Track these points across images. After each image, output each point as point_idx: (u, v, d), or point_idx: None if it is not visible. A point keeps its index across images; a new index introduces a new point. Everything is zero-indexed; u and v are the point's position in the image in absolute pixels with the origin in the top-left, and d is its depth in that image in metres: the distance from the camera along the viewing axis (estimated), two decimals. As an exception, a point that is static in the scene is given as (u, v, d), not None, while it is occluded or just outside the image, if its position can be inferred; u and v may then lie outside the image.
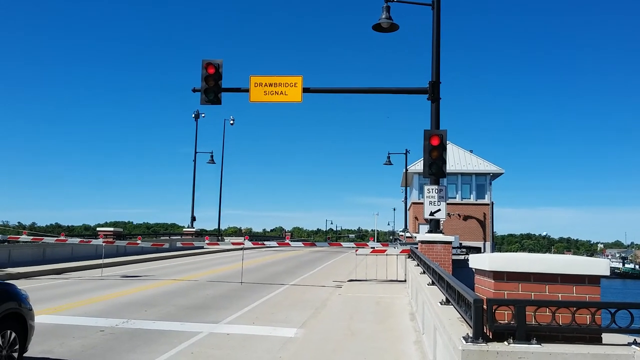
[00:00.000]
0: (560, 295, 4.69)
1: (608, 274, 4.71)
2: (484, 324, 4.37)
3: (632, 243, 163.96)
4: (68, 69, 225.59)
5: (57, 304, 13.25)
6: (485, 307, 4.38)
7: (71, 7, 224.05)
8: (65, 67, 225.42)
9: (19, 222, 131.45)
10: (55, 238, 22.37)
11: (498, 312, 4.43)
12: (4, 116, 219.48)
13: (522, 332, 4.30)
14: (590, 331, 4.46)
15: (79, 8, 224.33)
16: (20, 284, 16.36)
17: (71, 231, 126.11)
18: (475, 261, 5.19)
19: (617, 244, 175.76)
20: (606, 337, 4.54)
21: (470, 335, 4.38)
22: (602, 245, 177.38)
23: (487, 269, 4.79)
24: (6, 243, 22.22)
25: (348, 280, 19.39)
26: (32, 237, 22.17)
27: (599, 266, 4.65)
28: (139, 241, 23.42)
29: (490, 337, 4.38)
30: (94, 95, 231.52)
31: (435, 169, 15.67)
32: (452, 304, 6.14)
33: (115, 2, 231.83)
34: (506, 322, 4.44)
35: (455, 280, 5.97)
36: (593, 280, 4.66)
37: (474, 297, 4.50)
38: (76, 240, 24.11)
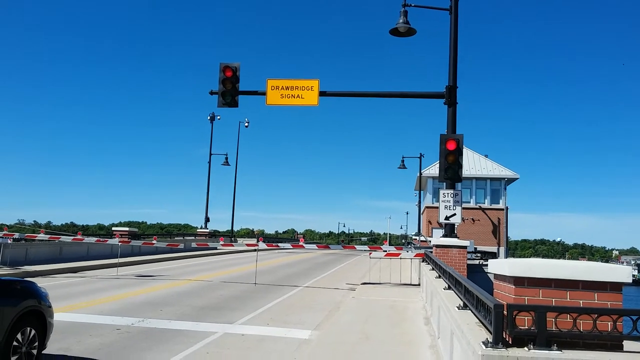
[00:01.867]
0: (581, 301, 4.65)
1: (630, 281, 4.67)
2: (504, 329, 4.36)
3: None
4: (86, 69, 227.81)
5: (73, 302, 13.39)
6: (505, 312, 4.37)
7: (91, 6, 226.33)
8: (83, 67, 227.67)
9: (34, 221, 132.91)
10: (72, 237, 22.60)
11: (518, 318, 4.40)
12: (20, 116, 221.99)
13: (543, 338, 4.28)
14: (611, 338, 4.42)
15: (98, 8, 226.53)
16: (37, 282, 16.57)
17: (85, 230, 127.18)
18: (495, 266, 5.17)
19: (632, 251, 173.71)
20: (627, 344, 4.51)
21: (490, 340, 4.37)
22: (617, 252, 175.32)
23: (507, 274, 4.77)
24: (23, 241, 22.49)
25: (361, 283, 19.36)
26: (49, 235, 22.42)
27: (621, 273, 4.61)
28: (154, 241, 23.57)
29: (510, 342, 4.37)
30: (111, 95, 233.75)
31: (451, 173, 15.61)
32: (469, 309, 6.12)
33: (136, 3, 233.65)
34: (526, 327, 4.42)
35: (473, 285, 5.95)
36: (615, 287, 4.62)
37: (494, 302, 4.49)
38: (92, 239, 24.34)
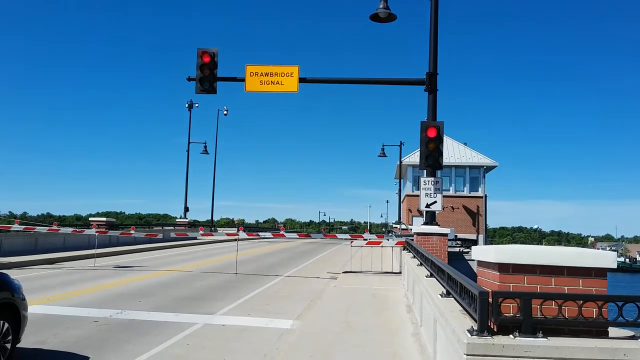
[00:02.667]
0: (566, 288, 4.61)
1: (615, 266, 4.64)
2: (489, 317, 4.30)
3: (622, 237, 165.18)
4: (60, 58, 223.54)
5: (49, 294, 13.12)
6: (490, 299, 4.30)
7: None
8: (57, 57, 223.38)
9: (9, 212, 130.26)
10: (48, 227, 22.18)
11: (503, 305, 4.34)
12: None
13: (528, 326, 4.23)
14: (596, 324, 4.39)
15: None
16: (13, 274, 16.16)
17: (63, 221, 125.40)
18: (479, 253, 5.10)
19: (607, 238, 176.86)
20: (613, 330, 4.49)
21: (475, 328, 4.30)
22: (592, 239, 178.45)
23: (492, 261, 4.71)
24: (-3, 232, 22.00)
25: (343, 272, 19.35)
26: (24, 226, 21.95)
27: (606, 259, 4.58)
28: (132, 231, 23.23)
29: (495, 330, 4.31)
30: (86, 84, 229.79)
31: (432, 161, 15.59)
32: (453, 296, 6.07)
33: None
34: (512, 315, 4.36)
35: (457, 272, 5.89)
36: (600, 273, 4.59)
37: (479, 290, 4.42)
38: (69, 230, 23.92)
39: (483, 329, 4.23)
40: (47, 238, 24.27)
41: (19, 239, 22.85)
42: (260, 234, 25.23)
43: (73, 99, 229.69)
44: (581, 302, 4.35)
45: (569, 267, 4.61)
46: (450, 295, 6.26)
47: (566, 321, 4.35)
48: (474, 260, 5.41)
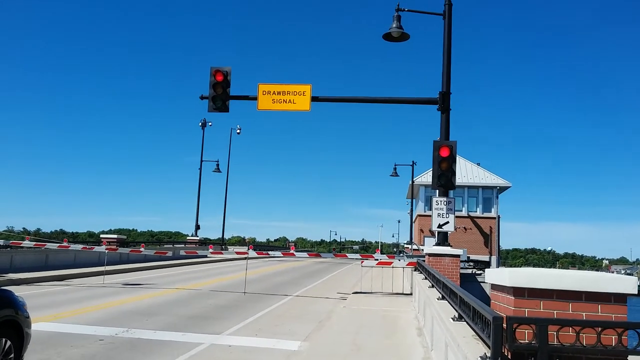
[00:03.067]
0: (584, 314, 4.42)
1: (636, 292, 4.44)
2: (503, 343, 4.11)
3: (637, 260, 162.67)
4: (73, 76, 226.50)
5: (57, 311, 13.01)
6: (504, 325, 4.12)
7: (80, 13, 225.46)
8: (70, 74, 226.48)
9: (23, 228, 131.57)
10: (58, 244, 22.16)
11: (518, 331, 4.16)
12: (10, 123, 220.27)
13: (544, 353, 4.03)
14: (616, 353, 4.18)
15: (87, 14, 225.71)
16: (21, 290, 16.19)
17: (75, 238, 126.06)
18: (493, 276, 4.92)
19: (622, 261, 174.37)
20: (632, 359, 4.27)
21: (489, 355, 4.12)
22: (607, 262, 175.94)
23: (507, 285, 4.53)
24: (9, 248, 22.04)
25: (353, 293, 19.08)
26: (34, 242, 21.97)
27: (626, 284, 4.39)
28: (142, 249, 23.17)
29: (510, 357, 4.13)
30: (101, 102, 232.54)
31: (445, 181, 15.41)
32: (465, 321, 5.86)
33: (124, 9, 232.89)
34: (527, 342, 4.17)
35: (469, 296, 5.70)
36: (619, 298, 4.40)
37: (492, 315, 4.23)
38: (79, 246, 23.90)
39: (497, 357, 4.03)
40: (57, 255, 24.26)
41: (30, 256, 22.86)
42: (270, 252, 25.07)
43: (88, 120, 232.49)
44: (600, 329, 4.15)
45: (587, 292, 4.42)
46: (463, 319, 6.06)
47: (584, 349, 4.15)
48: (487, 282, 5.23)
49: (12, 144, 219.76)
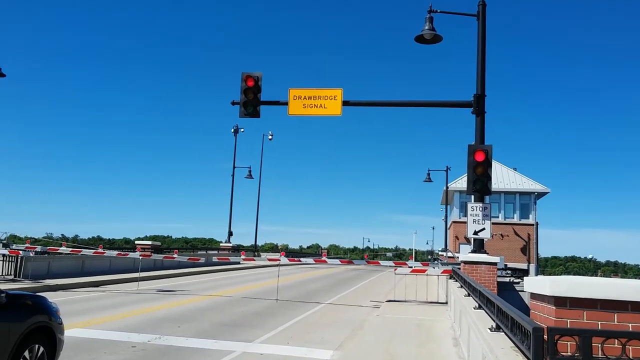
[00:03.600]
0: (630, 325, 4.15)
1: (687, 302, 4.15)
2: (544, 355, 3.88)
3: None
4: (106, 80, 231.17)
5: (91, 317, 13.15)
6: (545, 336, 3.89)
7: (114, 9, 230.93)
8: (104, 81, 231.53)
9: (62, 235, 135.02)
10: (94, 250, 22.52)
11: (560, 343, 3.91)
12: (54, 134, 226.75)
13: (589, 367, 3.78)
14: (665, 367, 3.91)
15: (121, 13, 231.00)
16: (58, 296, 16.47)
17: (112, 244, 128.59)
18: (533, 284, 4.68)
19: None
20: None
21: (529, 368, 3.89)
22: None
23: (547, 294, 4.29)
24: (46, 255, 22.51)
25: (386, 301, 18.81)
26: (71, 249, 22.37)
27: (677, 293, 4.10)
28: (175, 255, 23.37)
29: (551, 370, 3.88)
30: (135, 110, 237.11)
31: (480, 186, 15.05)
32: (503, 331, 5.61)
33: (151, 13, 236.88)
34: (569, 354, 3.92)
35: (507, 305, 5.45)
36: (669, 309, 4.11)
37: (533, 326, 4.00)
38: (114, 253, 24.25)
39: (538, 370, 3.81)
40: (93, 261, 24.67)
41: (67, 262, 23.30)
42: (302, 259, 24.96)
43: (121, 124, 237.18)
44: (648, 341, 3.89)
45: (634, 302, 4.16)
46: (501, 330, 5.81)
47: (631, 362, 3.90)
48: (525, 291, 5.00)
49: (48, 150, 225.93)
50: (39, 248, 20.99)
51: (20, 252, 19.98)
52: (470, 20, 16.49)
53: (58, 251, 22.25)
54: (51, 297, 11.49)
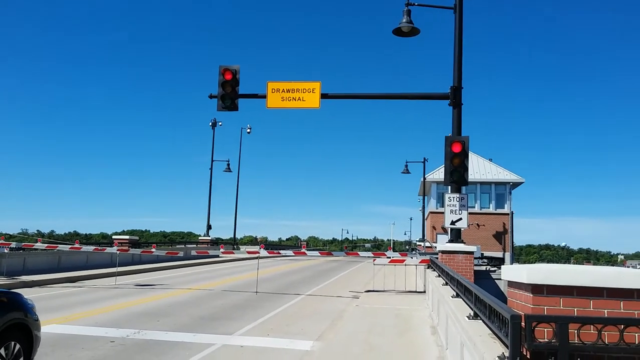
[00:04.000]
0: (606, 311, 4.25)
1: (660, 288, 4.25)
2: (522, 342, 3.95)
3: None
4: (84, 77, 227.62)
5: (68, 313, 12.99)
6: (523, 324, 3.96)
7: (89, 3, 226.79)
8: (82, 76, 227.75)
9: (37, 230, 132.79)
10: (70, 246, 22.21)
11: (537, 330, 3.99)
12: (28, 128, 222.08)
13: (565, 352, 3.86)
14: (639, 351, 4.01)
15: (95, 6, 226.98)
16: (34, 292, 16.22)
17: (89, 239, 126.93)
18: (510, 273, 4.76)
19: (637, 255, 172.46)
20: (658, 358, 4.09)
21: (507, 355, 3.96)
22: (622, 257, 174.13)
23: (524, 282, 4.36)
24: (21, 251, 22.14)
25: (365, 291, 18.93)
26: (46, 244, 22.02)
27: (650, 279, 4.20)
28: (153, 249, 23.17)
29: (529, 357, 3.96)
30: (112, 104, 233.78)
31: (457, 177, 15.21)
32: (481, 319, 5.70)
33: (128, 7, 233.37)
34: (546, 340, 4.00)
35: (485, 293, 5.53)
36: (643, 295, 4.21)
37: (510, 313, 4.07)
38: (90, 248, 23.96)
39: (515, 356, 3.87)
40: (70, 256, 24.32)
41: (42, 258, 22.93)
42: (281, 252, 24.96)
43: (97, 118, 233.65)
44: (622, 326, 3.98)
45: (609, 289, 4.25)
46: (478, 318, 5.89)
47: (606, 347, 3.98)
48: (501, 279, 5.08)
49: (22, 145, 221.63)
50: (13, 244, 20.66)
51: None
52: (448, 12, 16.58)
53: (33, 247, 21.89)
54: (27, 293, 11.31)
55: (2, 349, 6.60)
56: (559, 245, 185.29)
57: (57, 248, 22.49)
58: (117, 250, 21.88)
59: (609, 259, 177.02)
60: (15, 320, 6.87)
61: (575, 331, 3.98)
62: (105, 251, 23.47)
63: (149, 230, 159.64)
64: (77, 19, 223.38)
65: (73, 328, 11.05)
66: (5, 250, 20.00)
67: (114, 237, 33.03)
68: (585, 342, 3.96)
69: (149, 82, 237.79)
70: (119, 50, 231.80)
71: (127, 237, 32.56)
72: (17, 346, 6.87)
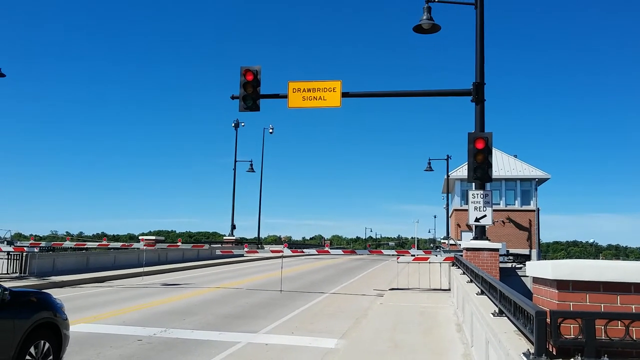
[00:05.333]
0: (634, 307, 4.17)
1: (690, 282, 4.16)
2: (548, 339, 3.90)
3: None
4: (103, 75, 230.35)
5: (97, 312, 13.22)
6: (548, 320, 3.91)
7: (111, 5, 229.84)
8: (103, 78, 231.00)
9: (67, 232, 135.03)
10: (98, 243, 22.56)
11: (563, 326, 3.94)
12: (56, 131, 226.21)
13: (592, 349, 3.81)
14: (669, 347, 3.93)
15: (117, 9, 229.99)
16: (64, 292, 16.55)
17: (117, 240, 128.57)
18: (535, 269, 4.70)
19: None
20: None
21: (532, 351, 3.92)
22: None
23: (550, 278, 4.30)
24: (51, 252, 22.60)
25: (389, 289, 18.88)
26: (75, 242, 22.40)
27: (679, 274, 4.11)
28: (179, 243, 23.42)
29: (555, 353, 3.91)
30: (136, 106, 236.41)
31: (481, 173, 15.05)
32: (506, 316, 5.65)
33: (151, 11, 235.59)
34: (573, 337, 3.95)
35: (510, 290, 5.47)
36: (672, 290, 4.12)
37: (535, 309, 4.03)
38: (118, 244, 24.33)
39: (541, 353, 3.83)
40: (98, 257, 24.78)
41: (71, 258, 23.39)
42: (305, 250, 25.03)
43: (122, 121, 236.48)
44: (651, 322, 3.92)
45: (637, 284, 4.16)
46: (503, 315, 5.84)
47: (634, 343, 3.91)
48: (527, 276, 5.02)
49: (54, 151, 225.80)
50: (43, 244, 21.04)
51: (25, 248, 20.03)
52: (469, 8, 16.41)
53: (62, 245, 22.30)
54: (57, 293, 11.56)
55: (32, 347, 6.75)
56: (587, 242, 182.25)
57: (86, 245, 22.84)
58: (144, 245, 22.16)
59: (639, 255, 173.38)
60: (45, 320, 7.03)
61: (602, 327, 3.91)
62: (132, 250, 23.90)
63: (175, 231, 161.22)
64: (99, 18, 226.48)
65: (101, 327, 11.25)
66: (35, 250, 20.41)
67: (140, 237, 33.46)
68: (612, 338, 3.89)
69: (173, 84, 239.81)
70: (142, 53, 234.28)
71: (153, 237, 32.94)
72: (47, 345, 7.02)
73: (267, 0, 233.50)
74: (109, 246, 22.81)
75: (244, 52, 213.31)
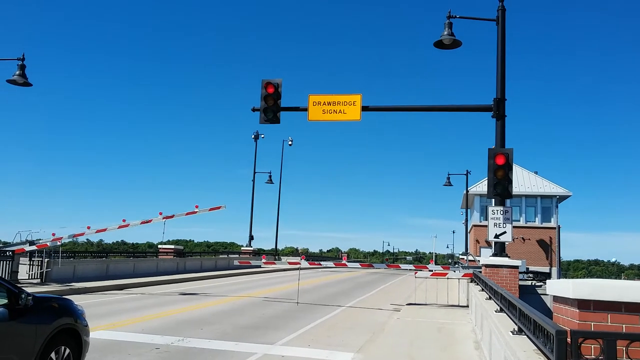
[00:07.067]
0: (656, 328, 4.12)
1: None
2: (567, 358, 3.87)
3: None
4: (123, 92, 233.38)
5: (116, 320, 13.35)
6: (569, 339, 3.88)
7: (126, 23, 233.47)
8: (125, 88, 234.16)
9: (87, 239, 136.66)
10: (118, 225, 22.09)
11: (584, 346, 3.91)
12: (74, 141, 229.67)
13: (613, 370, 3.77)
14: (693, 371, 3.87)
15: (132, 28, 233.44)
16: (83, 299, 16.72)
17: (135, 248, 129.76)
18: (556, 287, 4.67)
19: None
20: None
21: (552, 371, 3.89)
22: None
23: (570, 297, 4.28)
24: (72, 258, 22.88)
25: (407, 304, 18.75)
26: (95, 229, 22.08)
27: (703, 296, 4.06)
28: (196, 208, 22.76)
29: (575, 373, 3.87)
30: (155, 117, 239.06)
31: (501, 189, 14.96)
32: (525, 334, 5.60)
33: (172, 24, 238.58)
34: (593, 357, 3.91)
35: (530, 308, 5.43)
36: (696, 312, 4.07)
37: (556, 328, 4.00)
38: (137, 221, 22.95)
39: (561, 372, 3.80)
40: (117, 265, 25.10)
41: (92, 265, 23.70)
42: (322, 263, 24.99)
43: (142, 131, 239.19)
44: (675, 344, 3.86)
45: (660, 305, 4.13)
46: (523, 333, 5.79)
47: (657, 366, 3.87)
48: (547, 294, 4.98)
49: (75, 161, 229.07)
50: (65, 236, 21.06)
51: (48, 243, 20.18)
52: (490, 24, 16.42)
53: (84, 235, 22.12)
54: (77, 299, 11.69)
55: (53, 352, 6.85)
56: (608, 261, 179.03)
57: (106, 230, 22.27)
58: (163, 218, 21.63)
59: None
60: (66, 326, 7.13)
61: (624, 348, 3.88)
62: (152, 260, 23.93)
63: (193, 240, 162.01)
64: (104, 43, 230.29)
65: (120, 334, 11.35)
66: (58, 243, 20.56)
67: (159, 246, 33.73)
68: (633, 359, 3.85)
69: (191, 95, 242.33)
70: (161, 66, 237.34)
71: (172, 246, 33.23)
72: (67, 350, 7.12)
73: (288, 16, 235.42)
74: (128, 226, 21.99)
75: (265, 63, 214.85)
